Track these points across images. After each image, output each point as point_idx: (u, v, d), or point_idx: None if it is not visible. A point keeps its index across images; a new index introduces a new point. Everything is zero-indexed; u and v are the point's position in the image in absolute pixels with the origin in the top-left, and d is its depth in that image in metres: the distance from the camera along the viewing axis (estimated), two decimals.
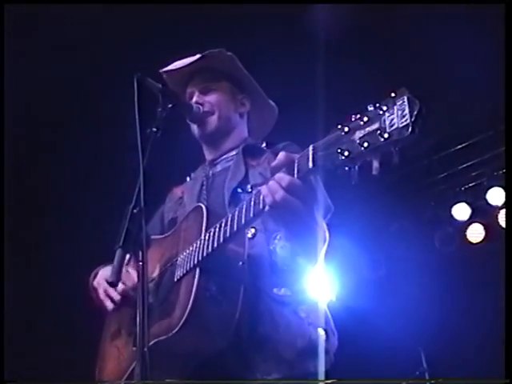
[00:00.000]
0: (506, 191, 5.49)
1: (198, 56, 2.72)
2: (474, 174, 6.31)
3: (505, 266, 3.23)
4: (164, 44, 4.41)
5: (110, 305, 2.51)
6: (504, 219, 5.99)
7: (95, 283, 2.62)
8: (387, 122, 1.57)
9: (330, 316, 2.43)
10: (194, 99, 2.70)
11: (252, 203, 2.02)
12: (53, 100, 5.02)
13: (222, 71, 2.74)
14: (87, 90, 4.97)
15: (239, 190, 2.43)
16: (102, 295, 2.54)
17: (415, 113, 1.53)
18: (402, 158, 1.59)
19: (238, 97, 2.76)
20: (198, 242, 2.24)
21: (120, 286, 2.44)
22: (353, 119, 1.67)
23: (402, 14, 4.61)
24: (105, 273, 2.59)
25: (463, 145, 6.17)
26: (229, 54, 2.74)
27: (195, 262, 2.21)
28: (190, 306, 2.11)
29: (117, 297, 2.48)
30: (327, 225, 2.31)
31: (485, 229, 6.29)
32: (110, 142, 5.11)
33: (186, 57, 2.76)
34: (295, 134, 2.44)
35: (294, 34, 4.63)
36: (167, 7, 4.45)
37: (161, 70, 2.78)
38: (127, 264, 2.36)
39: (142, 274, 1.92)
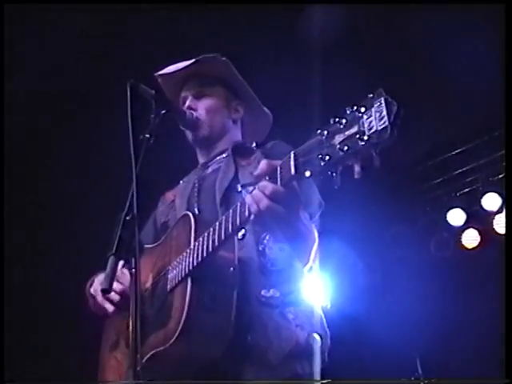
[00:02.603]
0: (506, 193, 5.47)
1: (192, 60, 2.72)
2: (469, 179, 6.31)
3: (505, 267, 3.23)
4: (158, 49, 4.42)
5: (110, 307, 2.48)
6: (499, 224, 6.00)
7: (92, 291, 2.59)
8: (366, 125, 1.57)
9: (322, 316, 2.42)
10: (187, 103, 2.69)
11: (238, 212, 2.02)
12: (49, 103, 5.02)
13: (216, 76, 2.73)
14: (80, 95, 4.96)
15: (230, 190, 2.42)
16: (100, 300, 2.50)
17: (393, 114, 1.52)
18: (388, 162, 1.59)
19: (232, 103, 2.75)
20: (188, 251, 2.24)
21: (119, 287, 2.41)
22: (331, 122, 1.67)
23: (399, 14, 4.59)
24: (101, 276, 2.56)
25: (458, 150, 6.18)
26: (223, 59, 2.73)
27: (186, 271, 2.21)
28: (184, 316, 2.12)
29: (116, 298, 2.43)
30: (319, 227, 2.31)
31: (480, 234, 6.29)
32: (102, 148, 5.10)
33: (180, 61, 2.76)
34: (285, 134, 2.44)
35: (288, 38, 4.62)
36: (161, 12, 4.45)
37: (155, 74, 2.78)
38: (123, 267, 2.37)
39: (135, 281, 1.91)
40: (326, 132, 1.67)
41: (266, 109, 2.84)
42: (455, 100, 5.25)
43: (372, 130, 1.55)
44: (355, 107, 1.60)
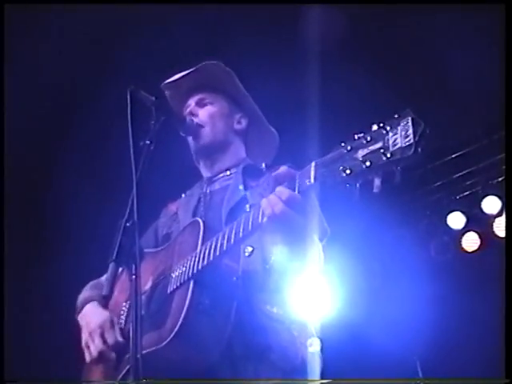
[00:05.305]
0: (506, 196, 5.46)
1: (195, 67, 2.74)
2: (468, 182, 6.31)
3: (505, 270, 3.23)
4: (158, 54, 4.43)
5: (87, 357, 2.43)
6: (499, 227, 6.00)
7: (79, 319, 2.57)
8: (390, 142, 1.59)
9: (318, 341, 2.42)
10: (189, 110, 2.72)
11: (251, 216, 2.02)
12: (48, 105, 5.01)
13: (219, 87, 2.76)
14: (80, 101, 4.96)
15: (238, 210, 2.39)
16: (83, 342, 2.46)
17: (419, 133, 1.55)
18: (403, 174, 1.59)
19: (235, 114, 2.77)
20: (194, 255, 2.24)
21: (99, 346, 2.35)
22: (356, 138, 1.68)
23: (398, 15, 4.57)
24: (90, 316, 2.51)
25: (458, 154, 6.17)
26: (227, 69, 2.76)
27: (189, 274, 2.21)
28: (181, 318, 2.12)
29: (94, 354, 2.37)
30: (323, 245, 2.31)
31: (480, 237, 6.29)
32: (102, 154, 5.10)
33: (179, 68, 2.78)
34: (294, 156, 2.44)
35: (289, 44, 4.61)
36: (160, 21, 4.45)
37: (162, 84, 2.80)
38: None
39: (135, 287, 1.92)
40: (349, 146, 1.69)
41: (272, 128, 2.84)
42: (455, 102, 5.24)
43: (396, 147, 1.58)
44: (381, 125, 1.62)
